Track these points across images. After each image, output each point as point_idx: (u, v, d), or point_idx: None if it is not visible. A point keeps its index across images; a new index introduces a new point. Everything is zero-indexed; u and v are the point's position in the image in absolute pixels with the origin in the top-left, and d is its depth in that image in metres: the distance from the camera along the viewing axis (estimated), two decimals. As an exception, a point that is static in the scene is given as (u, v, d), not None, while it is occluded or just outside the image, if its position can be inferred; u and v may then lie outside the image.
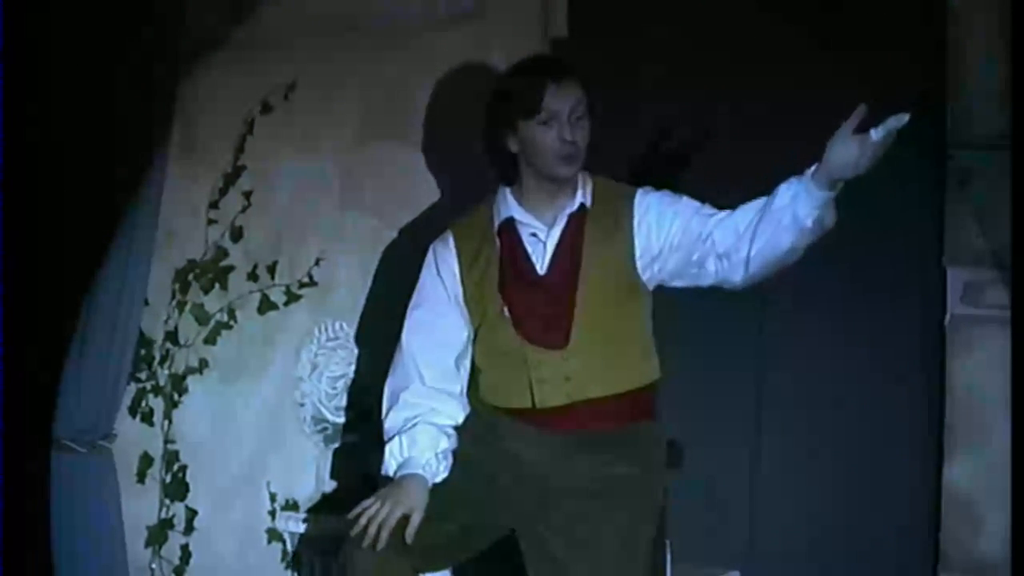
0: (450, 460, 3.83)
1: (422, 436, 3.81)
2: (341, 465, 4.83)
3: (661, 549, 4.34)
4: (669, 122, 4.76)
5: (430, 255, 3.96)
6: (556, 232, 3.85)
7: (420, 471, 3.76)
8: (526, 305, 3.85)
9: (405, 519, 3.68)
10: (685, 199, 3.87)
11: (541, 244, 3.86)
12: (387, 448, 3.84)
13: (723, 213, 3.83)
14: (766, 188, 4.75)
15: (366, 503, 3.71)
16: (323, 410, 4.84)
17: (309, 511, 4.81)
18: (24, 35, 4.45)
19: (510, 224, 3.89)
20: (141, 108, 4.80)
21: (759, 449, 4.81)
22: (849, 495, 4.71)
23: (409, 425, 3.83)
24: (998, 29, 4.39)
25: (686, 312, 4.64)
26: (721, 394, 4.82)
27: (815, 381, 4.75)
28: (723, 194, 4.79)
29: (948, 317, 4.56)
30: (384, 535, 3.65)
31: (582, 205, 3.85)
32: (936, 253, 4.58)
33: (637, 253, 3.83)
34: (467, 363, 3.93)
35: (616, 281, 3.82)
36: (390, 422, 3.86)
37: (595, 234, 3.83)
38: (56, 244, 4.84)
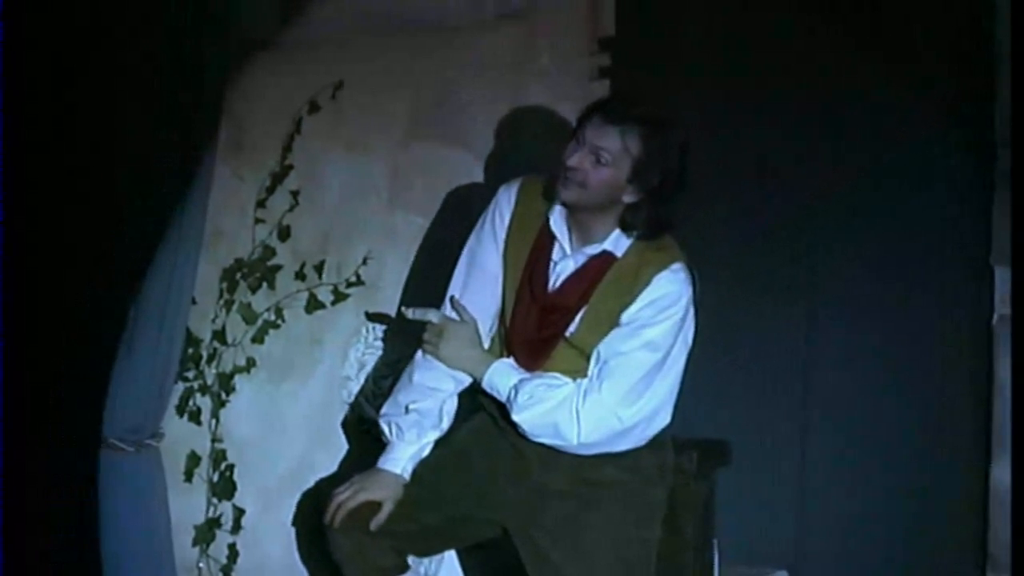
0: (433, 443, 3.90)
1: (410, 431, 3.87)
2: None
3: (709, 549, 4.35)
4: (714, 121, 4.77)
5: (493, 202, 3.92)
6: (570, 264, 3.80)
7: (398, 470, 3.87)
8: (523, 313, 3.82)
9: (377, 505, 3.82)
10: (658, 333, 3.73)
11: (556, 265, 3.82)
12: (381, 420, 3.94)
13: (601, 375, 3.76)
14: (808, 186, 4.79)
15: (341, 487, 3.89)
16: (369, 409, 4.84)
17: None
18: (76, 33, 4.47)
19: (548, 224, 3.84)
20: (189, 107, 4.81)
21: (806, 449, 4.81)
22: (896, 495, 4.71)
23: (407, 404, 3.87)
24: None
25: (733, 311, 4.67)
26: (769, 394, 4.82)
27: (862, 381, 4.75)
28: (756, 191, 4.83)
29: (995, 317, 4.55)
30: (340, 516, 3.82)
31: (607, 252, 3.78)
32: (984, 252, 4.57)
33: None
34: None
35: (607, 330, 3.77)
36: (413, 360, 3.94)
37: (611, 282, 3.76)
38: (105, 243, 4.85)
